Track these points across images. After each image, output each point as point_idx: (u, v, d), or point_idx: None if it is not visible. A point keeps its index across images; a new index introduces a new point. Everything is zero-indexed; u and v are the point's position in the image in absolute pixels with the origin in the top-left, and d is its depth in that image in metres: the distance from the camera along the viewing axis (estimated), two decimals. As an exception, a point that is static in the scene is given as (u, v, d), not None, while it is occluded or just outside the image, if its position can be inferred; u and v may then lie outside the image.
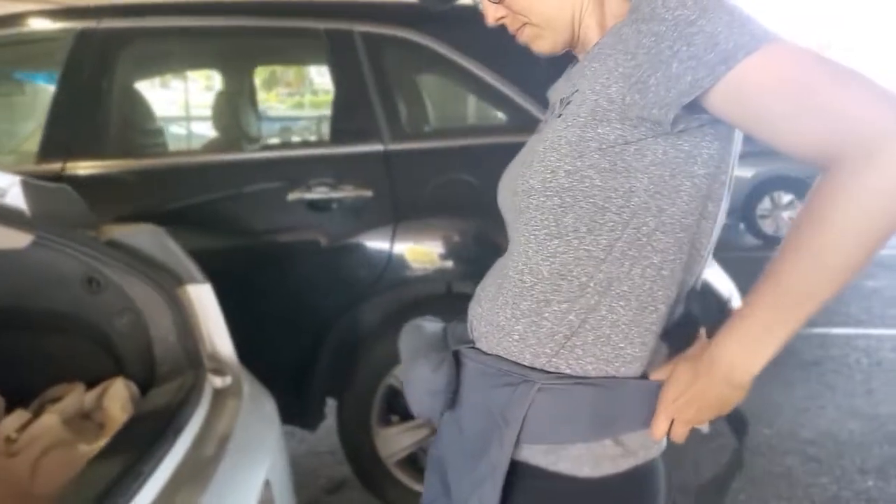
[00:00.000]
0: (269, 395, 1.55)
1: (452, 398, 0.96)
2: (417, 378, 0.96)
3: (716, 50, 0.74)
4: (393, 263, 2.33)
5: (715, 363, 0.80)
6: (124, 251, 1.45)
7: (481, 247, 2.40)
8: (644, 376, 0.88)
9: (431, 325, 1.07)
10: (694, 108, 0.78)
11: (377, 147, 2.36)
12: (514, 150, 2.49)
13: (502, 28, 0.98)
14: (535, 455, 0.89)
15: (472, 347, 0.95)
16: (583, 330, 0.86)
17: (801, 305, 0.74)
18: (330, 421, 2.57)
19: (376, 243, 2.33)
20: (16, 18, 2.55)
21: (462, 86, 2.61)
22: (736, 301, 2.16)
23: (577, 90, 0.87)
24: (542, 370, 0.88)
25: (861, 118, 0.69)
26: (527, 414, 0.87)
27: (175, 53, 2.90)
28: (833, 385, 3.69)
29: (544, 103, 2.53)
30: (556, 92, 0.97)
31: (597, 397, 0.87)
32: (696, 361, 0.83)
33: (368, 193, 2.32)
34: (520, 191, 0.89)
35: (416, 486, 2.43)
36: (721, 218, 0.89)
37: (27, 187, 1.47)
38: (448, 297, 2.46)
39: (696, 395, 0.83)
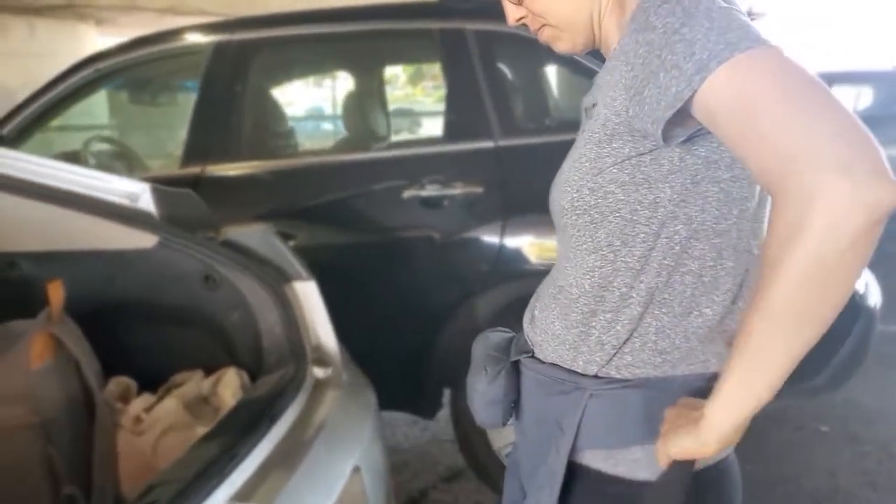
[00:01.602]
0: (369, 386, 1.63)
1: (512, 408, 0.98)
2: (476, 390, 1.00)
3: (692, 59, 0.71)
4: (504, 257, 2.36)
5: (700, 420, 0.77)
6: (237, 250, 1.58)
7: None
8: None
9: (498, 336, 1.09)
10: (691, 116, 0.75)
11: (488, 144, 2.39)
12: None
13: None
14: (595, 459, 0.90)
15: (531, 357, 0.97)
16: (630, 338, 0.87)
17: (772, 361, 0.69)
18: (445, 410, 2.64)
19: (487, 238, 2.37)
20: (163, 35, 2.81)
21: (573, 79, 2.58)
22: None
23: (596, 103, 0.86)
24: (594, 376, 0.89)
25: (798, 151, 0.63)
26: (581, 420, 0.88)
27: (299, 60, 3.08)
28: None
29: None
30: (587, 95, 0.97)
31: (647, 399, 0.86)
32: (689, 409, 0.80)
33: (479, 190, 2.36)
34: (555, 210, 0.91)
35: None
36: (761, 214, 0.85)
37: (156, 192, 1.64)
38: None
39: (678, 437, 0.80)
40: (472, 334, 2.45)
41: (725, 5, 0.75)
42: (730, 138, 0.71)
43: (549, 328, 0.94)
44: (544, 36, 0.96)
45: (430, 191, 2.38)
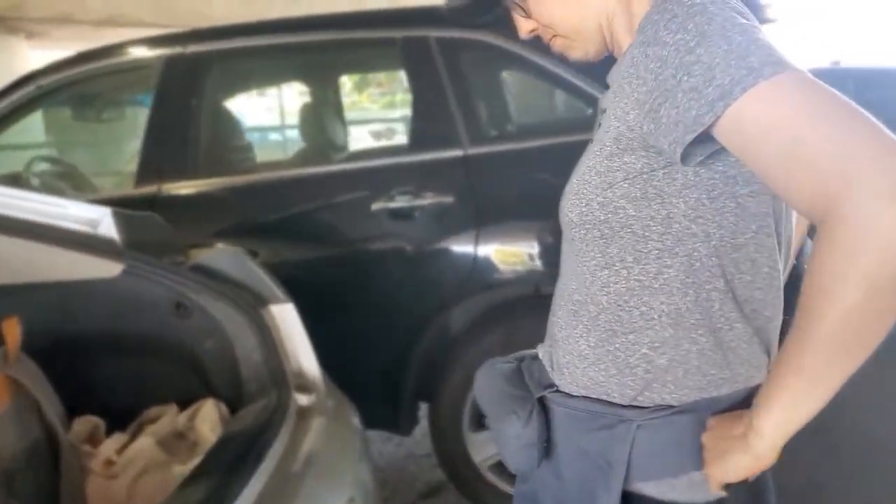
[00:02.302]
0: (353, 409, 1.56)
1: (546, 447, 0.94)
2: (510, 435, 0.95)
3: (713, 84, 0.68)
4: (478, 267, 2.31)
5: (751, 435, 0.75)
6: (209, 275, 1.50)
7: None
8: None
9: (506, 367, 1.03)
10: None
11: (457, 152, 2.34)
12: (596, 145, 2.40)
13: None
14: (647, 486, 0.86)
15: (556, 391, 0.93)
16: (671, 367, 0.83)
17: (827, 381, 0.68)
18: (423, 425, 2.58)
19: (460, 248, 2.32)
20: (109, 49, 2.69)
21: (539, 85, 2.56)
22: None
23: (605, 111, 0.84)
24: (636, 407, 0.85)
25: (845, 176, 0.62)
26: (631, 454, 0.85)
27: (259, 71, 2.98)
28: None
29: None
30: (602, 98, 0.93)
31: (698, 423, 0.83)
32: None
33: (450, 199, 2.31)
34: (565, 222, 0.88)
35: (511, 490, 2.41)
36: (789, 223, 0.85)
37: (118, 217, 1.54)
38: (536, 298, 2.41)
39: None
40: (447, 346, 2.42)
41: (743, 21, 0.71)
42: (762, 166, 0.69)
43: (574, 348, 0.90)
44: (557, 45, 0.94)
45: (399, 202, 2.32)
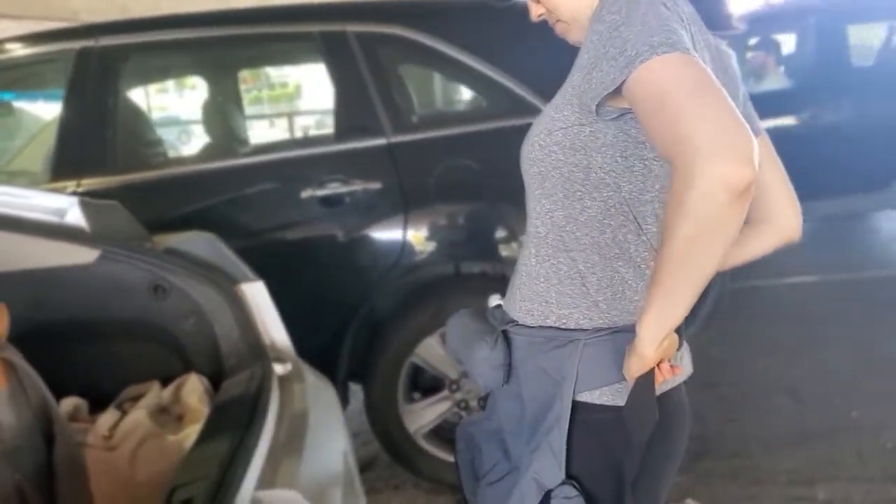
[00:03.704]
0: (326, 379, 1.69)
1: (509, 371, 1.12)
2: (480, 358, 1.13)
3: (624, 55, 0.89)
4: (407, 250, 2.47)
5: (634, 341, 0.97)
6: (183, 257, 1.58)
7: (485, 228, 2.56)
8: None
9: (474, 311, 1.25)
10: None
11: (380, 141, 2.49)
12: (509, 132, 2.63)
13: (503, 19, 1.17)
14: (588, 395, 1.05)
15: (516, 324, 1.12)
16: (601, 288, 1.04)
17: (680, 290, 0.90)
18: (352, 405, 2.71)
19: (390, 232, 2.47)
20: (15, 40, 2.62)
21: (456, 76, 2.74)
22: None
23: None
24: (581, 329, 1.06)
25: (686, 137, 0.82)
26: (578, 367, 1.04)
27: (173, 66, 2.99)
28: (819, 329, 3.92)
29: (534, 87, 2.66)
30: None
31: (626, 341, 1.02)
32: None
33: (377, 185, 2.45)
34: (521, 159, 1.10)
35: (443, 455, 2.59)
36: None
37: (85, 206, 1.58)
38: (457, 278, 2.60)
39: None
40: (378, 327, 2.54)
41: (663, 10, 0.92)
42: (643, 121, 0.91)
43: (524, 268, 1.12)
44: (559, 29, 1.14)
45: (329, 189, 2.43)
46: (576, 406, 1.04)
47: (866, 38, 5.97)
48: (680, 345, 1.05)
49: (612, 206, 1.02)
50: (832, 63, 4.98)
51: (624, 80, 0.88)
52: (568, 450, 1.02)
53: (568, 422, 1.03)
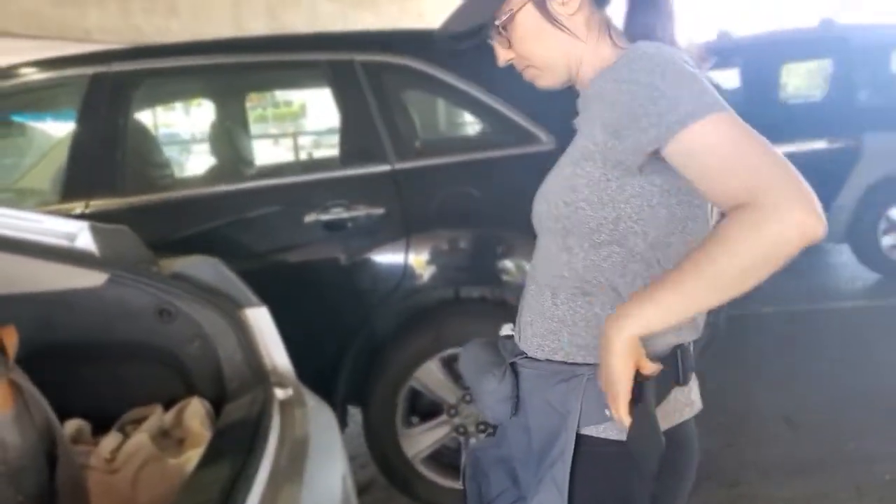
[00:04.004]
0: (325, 404, 1.71)
1: (517, 403, 1.15)
2: (488, 391, 1.16)
3: (674, 112, 0.93)
4: (408, 274, 2.50)
5: (617, 323, 0.96)
6: (189, 282, 1.61)
7: (485, 254, 2.60)
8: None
9: (485, 343, 1.27)
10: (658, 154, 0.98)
11: (384, 167, 2.53)
12: (509, 161, 2.67)
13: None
14: (591, 429, 1.07)
15: (525, 357, 1.15)
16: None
17: (690, 302, 0.93)
18: (350, 428, 2.73)
19: (391, 257, 2.50)
20: (32, 65, 2.68)
21: (459, 105, 2.79)
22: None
23: (578, 131, 1.08)
24: (585, 364, 1.08)
25: (768, 185, 0.88)
26: (582, 401, 1.06)
27: (184, 91, 3.05)
28: (814, 357, 3.95)
29: (534, 117, 2.71)
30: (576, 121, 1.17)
31: None
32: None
33: (380, 211, 2.49)
34: (536, 218, 1.12)
35: (440, 480, 2.61)
36: (706, 227, 1.10)
37: (95, 231, 1.62)
38: (456, 302, 2.64)
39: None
40: (378, 350, 2.57)
41: (693, 71, 0.97)
42: (704, 174, 0.94)
43: (538, 307, 1.13)
44: (528, 75, 1.15)
45: (332, 214, 2.48)
46: (581, 439, 1.07)
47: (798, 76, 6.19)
48: (689, 379, 1.09)
49: (638, 252, 1.04)
50: (762, 100, 5.16)
51: (672, 137, 0.93)
52: (575, 482, 1.05)
53: (572, 455, 1.06)
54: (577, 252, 1.07)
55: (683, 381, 1.08)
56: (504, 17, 1.08)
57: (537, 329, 1.13)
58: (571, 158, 1.06)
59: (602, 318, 1.05)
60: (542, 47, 1.10)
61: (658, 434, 1.01)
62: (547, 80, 1.14)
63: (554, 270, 1.11)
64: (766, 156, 0.90)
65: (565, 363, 1.10)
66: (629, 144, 0.98)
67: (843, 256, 6.02)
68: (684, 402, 1.12)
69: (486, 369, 1.18)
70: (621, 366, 0.96)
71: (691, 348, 1.11)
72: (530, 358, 1.14)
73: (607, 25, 1.11)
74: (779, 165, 0.89)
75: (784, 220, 0.86)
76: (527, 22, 1.08)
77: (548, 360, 1.12)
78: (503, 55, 1.14)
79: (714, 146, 0.92)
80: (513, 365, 1.16)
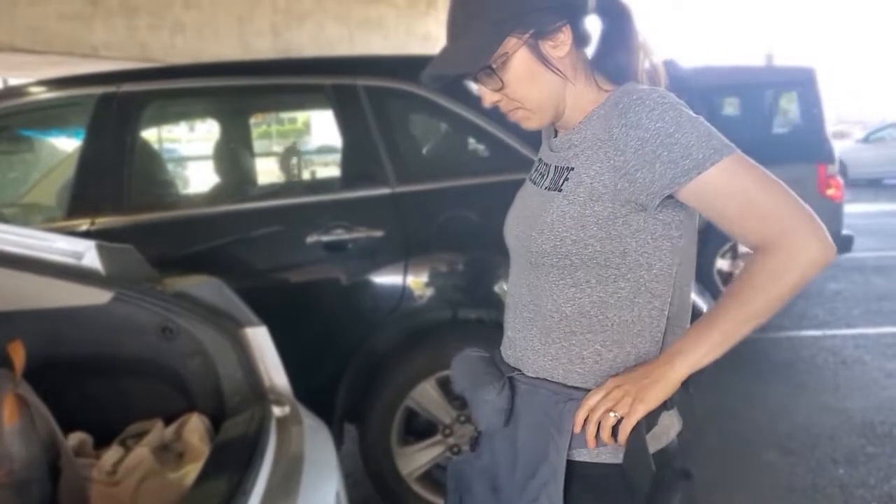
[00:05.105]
0: (321, 422, 1.76)
1: (510, 415, 1.19)
2: (485, 401, 1.19)
3: (689, 158, 1.00)
4: (406, 296, 2.55)
5: (670, 361, 1.05)
6: (191, 301, 1.66)
7: (482, 276, 2.65)
8: None
9: (479, 356, 1.30)
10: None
11: (385, 190, 2.59)
12: (507, 186, 2.71)
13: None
14: (581, 454, 1.12)
15: (521, 373, 1.19)
16: (615, 365, 1.12)
17: (730, 339, 1.03)
18: (346, 446, 2.76)
19: (390, 278, 2.55)
20: (42, 84, 2.75)
21: (459, 130, 2.85)
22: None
23: (572, 168, 1.11)
24: (581, 388, 1.13)
25: (786, 226, 0.99)
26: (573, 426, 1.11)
27: (190, 112, 3.11)
28: (804, 384, 3.99)
29: (532, 144, 2.77)
30: (544, 154, 1.22)
31: None
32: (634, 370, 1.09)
33: (380, 233, 2.55)
34: (533, 250, 1.13)
35: (434, 499, 2.64)
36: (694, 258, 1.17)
37: (101, 250, 1.68)
38: (454, 324, 2.68)
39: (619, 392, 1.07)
40: (375, 370, 2.61)
41: (697, 117, 1.04)
42: (724, 214, 1.03)
43: (528, 345, 1.17)
44: (517, 116, 1.16)
45: (333, 235, 2.53)
46: (574, 465, 1.11)
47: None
48: (674, 403, 1.13)
49: (643, 284, 1.09)
50: None
51: (688, 181, 1.00)
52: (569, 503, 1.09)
53: (563, 475, 1.10)
54: (585, 287, 1.11)
55: (671, 406, 1.12)
56: (499, 61, 1.08)
57: (527, 364, 1.18)
58: (576, 198, 1.09)
59: (603, 354, 1.11)
60: (535, 90, 1.12)
61: (648, 456, 1.07)
62: (535, 121, 1.16)
63: (550, 306, 1.14)
64: (779, 195, 1.00)
65: (562, 385, 1.14)
66: (642, 187, 1.04)
67: (843, 284, 6.09)
68: (669, 425, 1.17)
69: (485, 380, 1.20)
70: (662, 397, 1.05)
71: None
72: (526, 375, 1.18)
73: (590, 66, 1.15)
74: (790, 204, 1.00)
75: (805, 263, 0.98)
76: (521, 65, 1.09)
77: (543, 379, 1.16)
78: (489, 98, 1.14)
79: (729, 190, 1.01)
80: (511, 379, 1.20)
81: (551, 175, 1.16)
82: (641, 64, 1.15)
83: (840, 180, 5.75)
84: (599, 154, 1.08)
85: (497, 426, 1.20)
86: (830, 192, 5.45)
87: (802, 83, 5.78)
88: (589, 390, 1.11)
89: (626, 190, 1.05)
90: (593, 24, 1.14)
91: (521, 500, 1.15)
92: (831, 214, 5.34)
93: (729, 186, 1.01)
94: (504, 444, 1.22)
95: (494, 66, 1.09)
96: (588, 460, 1.11)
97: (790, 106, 6.12)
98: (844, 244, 5.52)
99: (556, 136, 1.21)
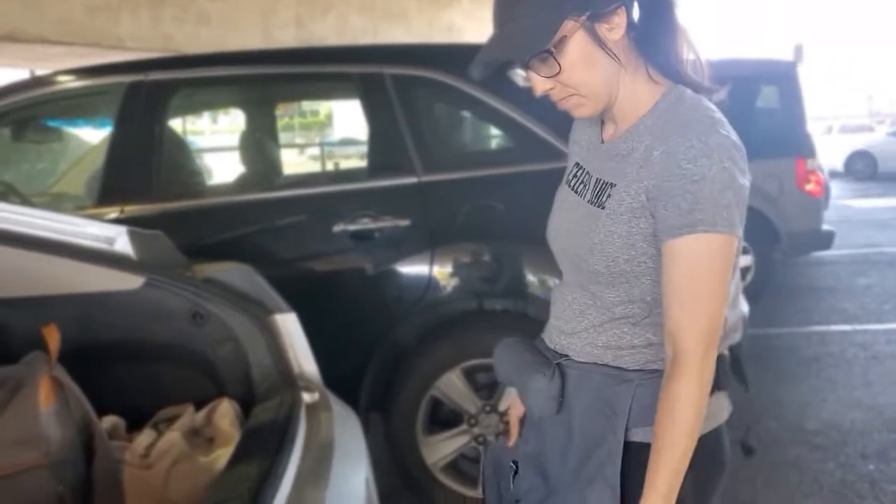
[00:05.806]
0: (350, 409, 1.76)
1: (562, 401, 1.19)
2: (537, 388, 1.18)
3: (693, 213, 1.01)
4: (432, 285, 2.55)
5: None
6: (221, 287, 1.67)
7: (509, 267, 2.63)
8: None
9: (525, 343, 1.29)
10: None
11: (411, 179, 2.58)
12: (534, 176, 2.70)
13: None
14: (637, 435, 1.12)
15: (569, 359, 1.19)
16: (651, 345, 1.14)
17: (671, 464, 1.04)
18: (371, 435, 2.76)
19: (416, 268, 2.55)
20: (71, 73, 2.78)
21: (486, 119, 2.84)
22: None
23: (614, 185, 1.11)
24: (634, 370, 1.13)
25: (689, 343, 1.03)
26: (631, 405, 1.12)
27: (217, 101, 3.13)
28: (833, 379, 3.93)
29: (560, 133, 2.75)
30: (582, 156, 1.23)
31: None
32: None
33: (406, 222, 2.54)
34: (585, 270, 1.15)
35: (458, 488, 2.64)
36: None
37: (132, 235, 1.69)
38: (479, 314, 2.67)
39: None
40: (401, 359, 2.61)
41: (739, 181, 1.03)
42: (667, 282, 1.05)
43: (577, 334, 1.19)
44: (569, 104, 1.13)
45: (360, 224, 2.53)
46: (631, 445, 1.11)
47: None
48: (728, 383, 1.18)
49: (658, 283, 1.10)
50: None
51: (679, 235, 1.02)
52: (627, 485, 1.09)
53: (621, 458, 1.10)
54: (636, 293, 1.12)
55: (724, 386, 1.14)
56: (556, 45, 1.05)
57: (576, 349, 1.19)
58: (620, 216, 1.09)
59: (653, 341, 1.13)
60: (592, 74, 1.09)
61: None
62: (589, 108, 1.13)
63: (601, 305, 1.16)
64: (709, 302, 1.03)
65: (613, 367, 1.15)
66: (660, 218, 1.05)
67: (874, 278, 5.99)
68: (723, 407, 1.18)
69: (534, 368, 1.20)
70: None
71: (728, 356, 1.17)
72: (576, 361, 1.18)
73: (640, 53, 1.12)
74: (710, 316, 1.03)
75: (691, 398, 1.03)
76: (578, 49, 1.06)
77: (594, 364, 1.16)
78: (542, 85, 1.10)
79: (688, 262, 1.03)
80: (559, 365, 1.20)
81: (592, 187, 1.16)
82: (686, 55, 1.12)
83: (821, 175, 5.60)
84: (643, 173, 1.08)
85: (550, 413, 1.19)
86: (810, 187, 5.32)
87: (782, 76, 5.64)
88: (641, 372, 1.12)
89: (653, 211, 1.07)
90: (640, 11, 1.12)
91: (576, 483, 1.15)
92: (810, 211, 5.26)
93: (691, 258, 1.02)
94: (555, 430, 1.22)
95: (553, 49, 1.05)
96: (644, 440, 1.11)
97: (770, 99, 5.93)
98: (825, 240, 5.42)
99: (601, 126, 1.20)
